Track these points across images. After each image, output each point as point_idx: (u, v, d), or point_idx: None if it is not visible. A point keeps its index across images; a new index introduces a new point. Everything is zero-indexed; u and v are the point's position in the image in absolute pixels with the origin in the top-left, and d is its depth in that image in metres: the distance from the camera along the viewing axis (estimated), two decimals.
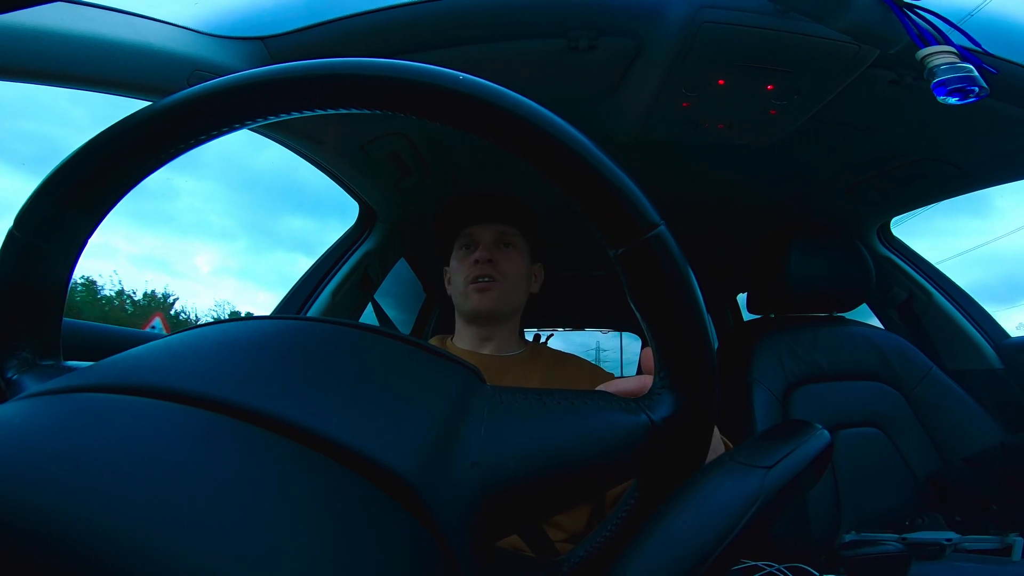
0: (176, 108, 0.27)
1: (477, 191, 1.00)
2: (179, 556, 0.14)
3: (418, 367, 0.28)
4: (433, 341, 1.05)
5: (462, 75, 0.25)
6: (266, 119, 0.27)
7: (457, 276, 0.98)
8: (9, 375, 0.30)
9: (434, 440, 0.23)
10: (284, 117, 0.27)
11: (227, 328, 0.28)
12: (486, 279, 0.93)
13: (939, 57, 0.71)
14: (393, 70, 0.25)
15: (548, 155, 0.25)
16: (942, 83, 0.70)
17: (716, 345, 1.50)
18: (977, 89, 0.70)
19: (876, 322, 1.64)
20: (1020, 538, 0.83)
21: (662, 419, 0.26)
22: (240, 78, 0.27)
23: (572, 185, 0.25)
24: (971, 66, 0.70)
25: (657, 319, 0.26)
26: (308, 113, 0.27)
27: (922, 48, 0.72)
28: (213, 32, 0.82)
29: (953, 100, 0.72)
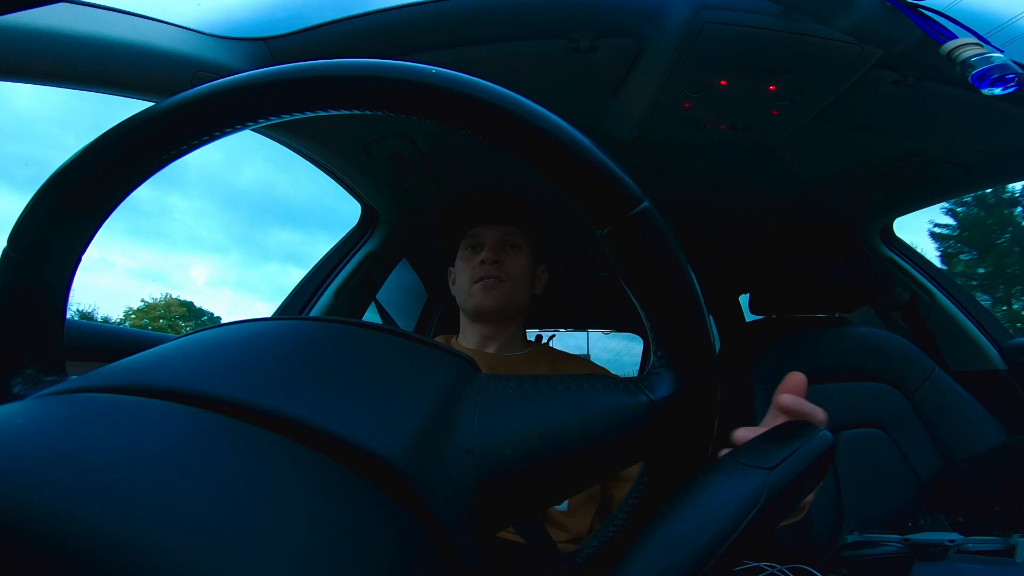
0: (179, 108, 0.27)
1: (481, 192, 1.00)
2: (171, 552, 0.14)
3: (408, 357, 0.28)
4: (438, 340, 1.06)
5: (435, 69, 0.25)
6: (267, 120, 0.28)
7: (462, 276, 0.98)
8: (16, 391, 0.30)
9: (425, 427, 0.23)
10: (286, 118, 0.27)
11: (221, 331, 0.28)
12: (492, 279, 0.94)
13: (968, 49, 0.68)
14: (369, 68, 0.25)
15: (526, 140, 0.25)
16: (982, 75, 0.67)
17: (718, 346, 1.50)
18: (1015, 76, 0.66)
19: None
20: (1023, 539, 0.83)
21: (662, 399, 0.26)
22: (241, 79, 0.27)
23: (553, 168, 0.25)
24: (1000, 54, 0.67)
25: (649, 297, 0.26)
26: (311, 114, 0.27)
27: (944, 43, 0.70)
28: (216, 33, 0.82)
29: (998, 90, 0.68)
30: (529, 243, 1.01)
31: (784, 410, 0.42)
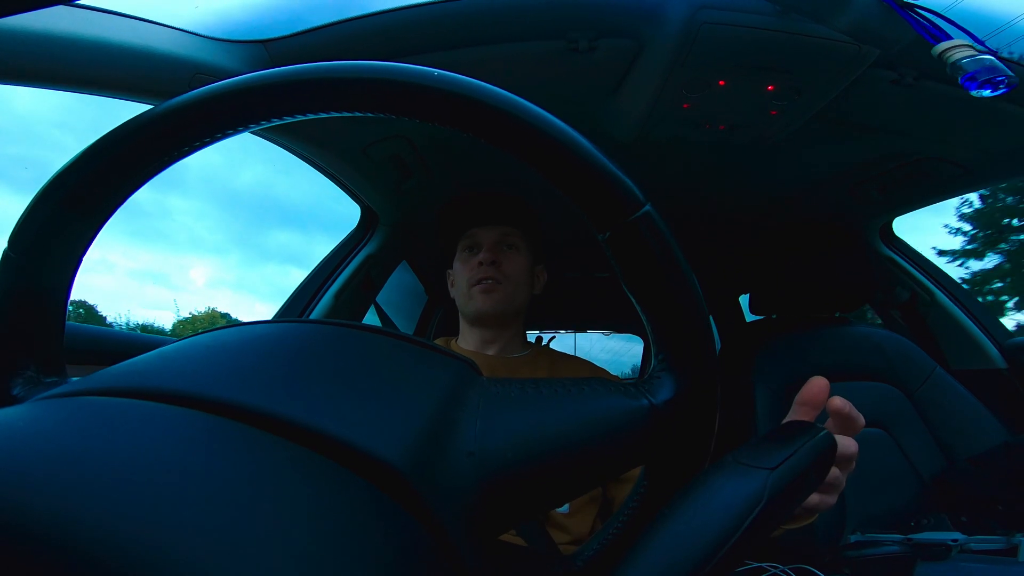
0: (178, 111, 0.27)
1: (479, 192, 1.00)
2: (173, 555, 0.14)
3: (409, 361, 0.28)
4: (438, 343, 1.06)
5: (437, 71, 0.25)
6: (267, 122, 0.27)
7: (460, 278, 0.98)
8: (16, 393, 0.30)
9: (427, 431, 0.23)
10: (288, 120, 0.27)
11: (221, 333, 0.28)
12: (490, 281, 0.93)
13: (959, 51, 0.69)
14: (371, 71, 0.25)
15: (528, 144, 0.25)
16: (971, 76, 0.67)
17: (719, 346, 1.50)
18: (1005, 79, 0.67)
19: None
20: None
21: (663, 402, 0.26)
22: (240, 82, 0.27)
23: (554, 171, 0.25)
24: (991, 56, 0.67)
25: (650, 301, 0.26)
26: (311, 116, 0.27)
27: (936, 44, 0.70)
28: (214, 35, 0.82)
29: (986, 92, 0.68)
30: (528, 243, 1.00)
31: (837, 412, 0.42)
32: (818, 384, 0.42)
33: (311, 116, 0.27)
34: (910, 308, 1.57)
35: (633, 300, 0.27)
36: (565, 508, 0.83)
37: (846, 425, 0.42)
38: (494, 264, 0.94)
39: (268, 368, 0.24)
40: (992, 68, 0.67)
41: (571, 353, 1.05)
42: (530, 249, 1.01)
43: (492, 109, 0.24)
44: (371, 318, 1.58)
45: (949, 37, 0.72)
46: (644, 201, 0.25)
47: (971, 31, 0.76)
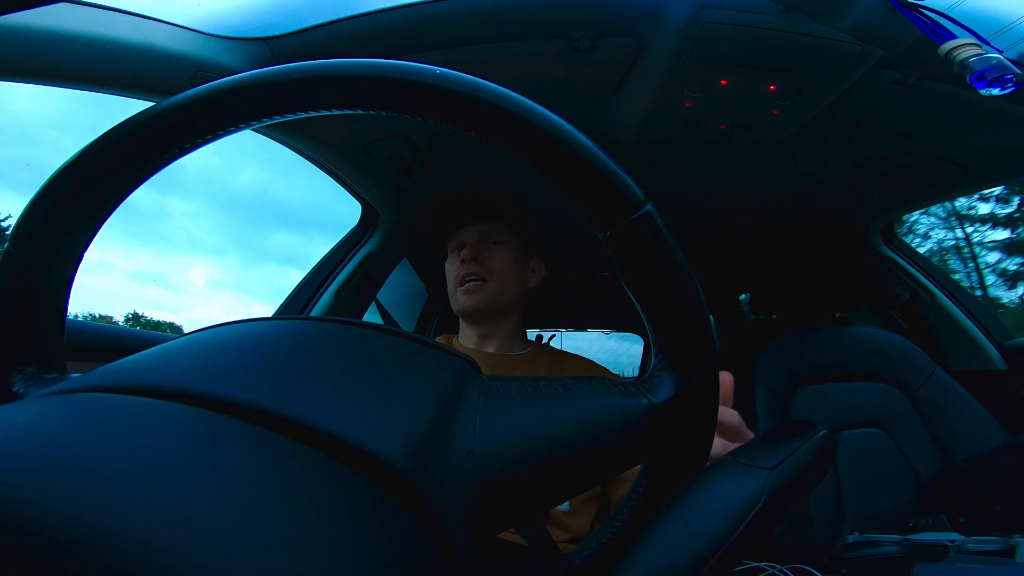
0: (179, 109, 0.27)
1: (458, 193, 0.99)
2: (173, 553, 0.14)
3: (410, 358, 0.28)
4: (439, 340, 1.05)
5: (439, 69, 0.25)
6: (269, 119, 0.27)
7: (449, 279, 0.99)
8: (15, 389, 0.30)
9: (427, 429, 0.23)
10: (289, 117, 0.27)
11: (222, 330, 0.28)
12: (473, 278, 0.94)
13: (966, 50, 0.69)
14: (373, 68, 0.25)
15: (530, 142, 0.25)
16: (980, 75, 0.67)
17: (719, 346, 1.50)
18: (1013, 77, 0.67)
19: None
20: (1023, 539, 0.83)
21: (663, 401, 0.26)
22: (242, 79, 0.27)
23: (556, 169, 0.25)
24: (999, 55, 0.67)
25: (651, 301, 0.26)
26: (312, 114, 0.27)
27: (942, 44, 0.70)
28: (216, 33, 0.82)
29: (995, 91, 0.69)
30: (515, 237, 1.00)
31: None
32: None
33: (312, 113, 0.27)
34: (910, 309, 1.57)
35: (633, 299, 0.27)
36: (565, 506, 0.83)
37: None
38: (475, 260, 0.94)
39: (269, 365, 0.24)
40: (1000, 66, 0.67)
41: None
42: (519, 243, 1.00)
43: (493, 107, 0.24)
44: (371, 316, 1.58)
45: (954, 36, 0.72)
46: (645, 200, 0.25)
47: (974, 31, 0.76)
